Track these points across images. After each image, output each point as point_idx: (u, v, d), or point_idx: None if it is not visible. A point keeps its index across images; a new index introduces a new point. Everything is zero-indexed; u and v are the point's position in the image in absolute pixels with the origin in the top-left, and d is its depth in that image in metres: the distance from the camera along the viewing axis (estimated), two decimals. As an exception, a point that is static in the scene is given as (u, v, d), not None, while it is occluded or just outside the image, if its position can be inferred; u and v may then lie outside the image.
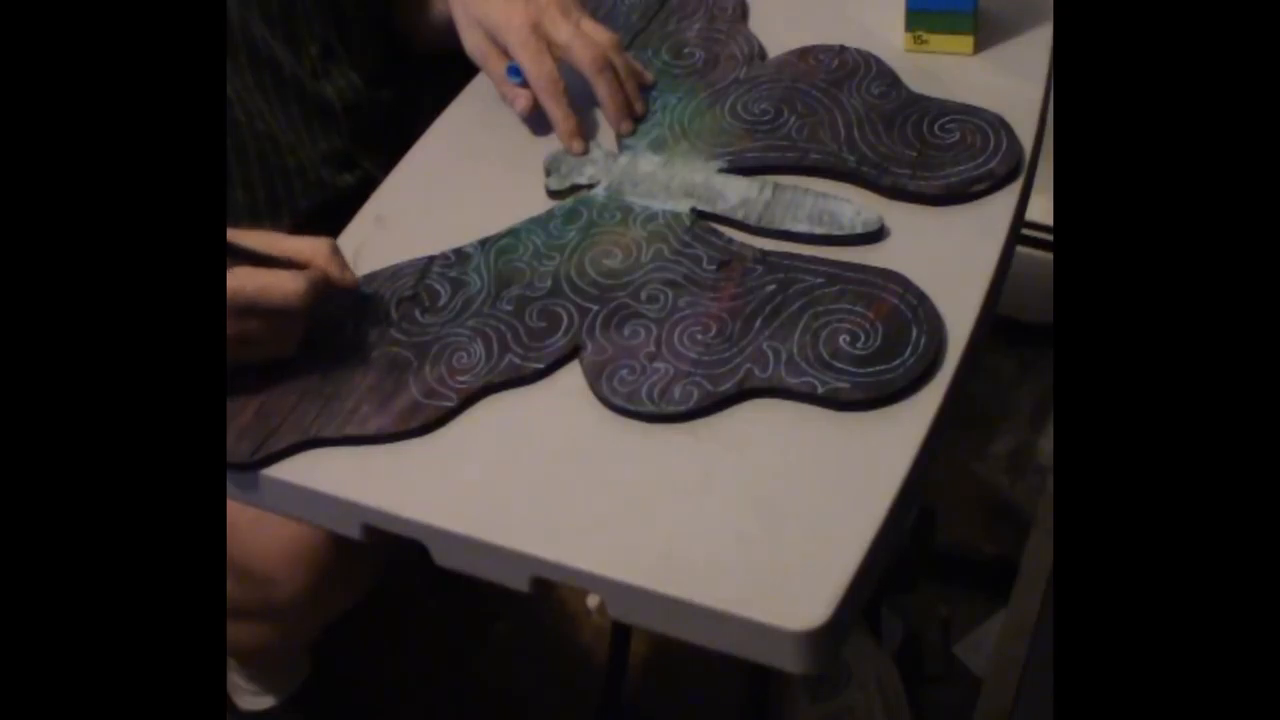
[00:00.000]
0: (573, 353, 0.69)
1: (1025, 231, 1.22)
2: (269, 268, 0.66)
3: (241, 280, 0.65)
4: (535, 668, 1.29)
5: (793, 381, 0.65)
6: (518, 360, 0.69)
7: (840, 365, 0.65)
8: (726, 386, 0.65)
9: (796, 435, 0.64)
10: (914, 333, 0.66)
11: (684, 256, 0.73)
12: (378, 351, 0.70)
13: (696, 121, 0.83)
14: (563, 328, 0.70)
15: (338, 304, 0.73)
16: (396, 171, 0.84)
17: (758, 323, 0.68)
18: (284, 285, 0.66)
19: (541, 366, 0.68)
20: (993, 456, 1.36)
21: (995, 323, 0.75)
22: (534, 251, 0.75)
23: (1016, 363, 1.44)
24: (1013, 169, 0.76)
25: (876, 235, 0.73)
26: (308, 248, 0.69)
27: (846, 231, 0.73)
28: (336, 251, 0.70)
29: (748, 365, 0.66)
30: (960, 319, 0.68)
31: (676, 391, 0.66)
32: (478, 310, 0.72)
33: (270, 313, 0.66)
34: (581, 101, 0.84)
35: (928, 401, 0.65)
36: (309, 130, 0.92)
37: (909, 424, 0.64)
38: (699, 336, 0.68)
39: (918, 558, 1.26)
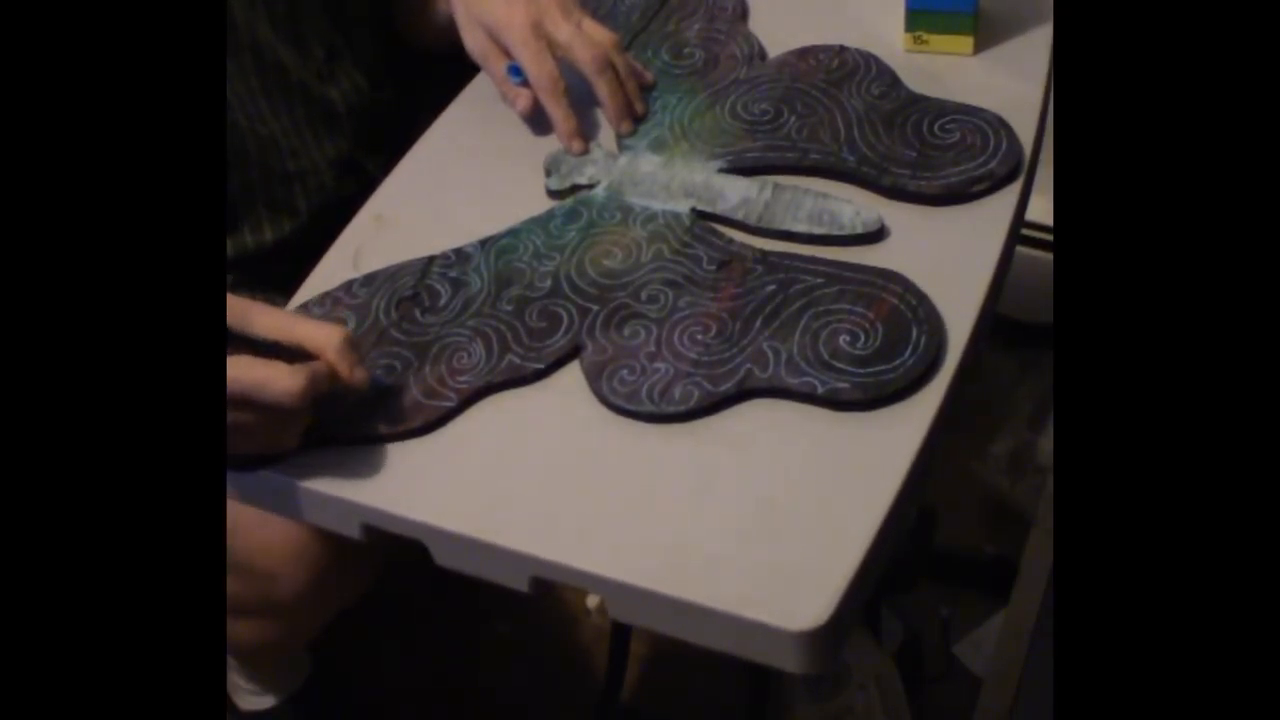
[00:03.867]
0: (573, 353, 0.69)
1: (1025, 231, 1.22)
2: (273, 357, 0.62)
3: (239, 371, 0.61)
4: (535, 668, 1.29)
5: (793, 381, 0.65)
6: (518, 360, 0.69)
7: (840, 365, 0.65)
8: (726, 387, 0.65)
9: (796, 435, 0.64)
10: (914, 333, 0.66)
11: (684, 256, 0.73)
12: (377, 351, 0.70)
13: (696, 121, 0.83)
14: (563, 328, 0.70)
15: (341, 310, 0.73)
16: (396, 171, 0.84)
17: (758, 323, 0.68)
18: (281, 382, 0.61)
19: (541, 366, 0.68)
20: (993, 456, 1.36)
21: (995, 323, 0.75)
22: (534, 251, 0.75)
23: (1016, 363, 1.44)
24: (1013, 169, 0.76)
25: (876, 235, 0.73)
26: (321, 336, 0.64)
27: (846, 231, 0.73)
28: (350, 345, 0.65)
29: (748, 365, 0.66)
30: (960, 319, 0.68)
31: (676, 391, 0.66)
32: (478, 310, 0.72)
33: (265, 408, 0.62)
34: (582, 101, 0.84)
35: (928, 401, 0.65)
36: (313, 134, 0.92)
37: (909, 424, 0.64)
38: (699, 336, 0.68)
39: (918, 558, 1.26)
